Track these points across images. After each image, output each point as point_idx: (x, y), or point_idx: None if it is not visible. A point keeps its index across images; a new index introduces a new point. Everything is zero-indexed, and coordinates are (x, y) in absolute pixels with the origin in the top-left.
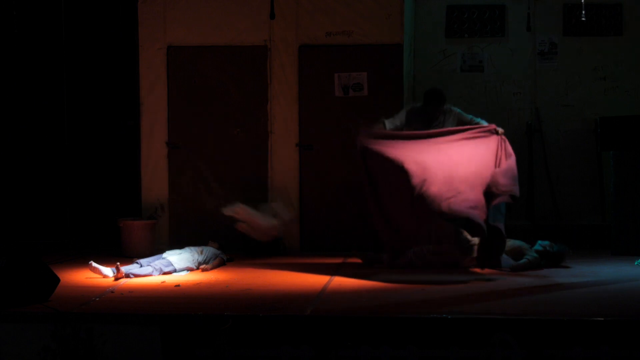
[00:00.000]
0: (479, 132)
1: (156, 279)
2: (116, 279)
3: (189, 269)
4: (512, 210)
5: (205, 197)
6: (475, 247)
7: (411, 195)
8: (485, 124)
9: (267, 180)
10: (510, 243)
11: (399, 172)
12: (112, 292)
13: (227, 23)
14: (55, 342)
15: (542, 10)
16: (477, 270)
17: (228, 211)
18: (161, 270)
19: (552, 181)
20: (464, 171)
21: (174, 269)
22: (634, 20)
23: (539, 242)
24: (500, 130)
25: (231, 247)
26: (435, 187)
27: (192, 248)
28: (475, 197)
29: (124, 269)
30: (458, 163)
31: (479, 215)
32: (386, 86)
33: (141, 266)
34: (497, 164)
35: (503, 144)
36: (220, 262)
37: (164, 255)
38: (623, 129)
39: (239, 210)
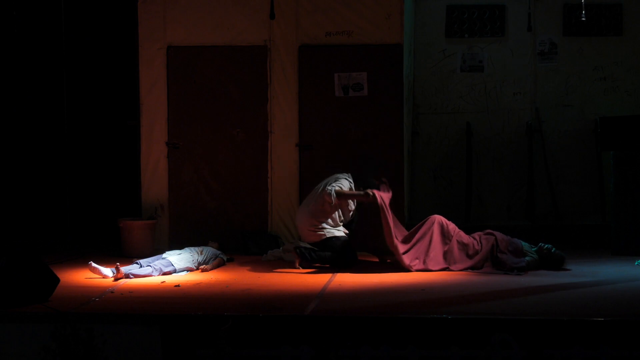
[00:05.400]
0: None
1: (156, 279)
2: (116, 279)
3: (189, 269)
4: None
5: (205, 197)
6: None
7: None
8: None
9: (267, 180)
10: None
11: None
12: (112, 292)
13: (227, 23)
14: (55, 342)
15: (542, 10)
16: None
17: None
18: (161, 270)
19: (552, 181)
20: None
21: (173, 269)
22: (634, 20)
23: (541, 244)
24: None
25: (231, 247)
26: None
27: (192, 248)
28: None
29: (124, 269)
30: None
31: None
32: (386, 86)
33: (141, 266)
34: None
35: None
36: (220, 262)
37: (164, 255)
38: (623, 129)
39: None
